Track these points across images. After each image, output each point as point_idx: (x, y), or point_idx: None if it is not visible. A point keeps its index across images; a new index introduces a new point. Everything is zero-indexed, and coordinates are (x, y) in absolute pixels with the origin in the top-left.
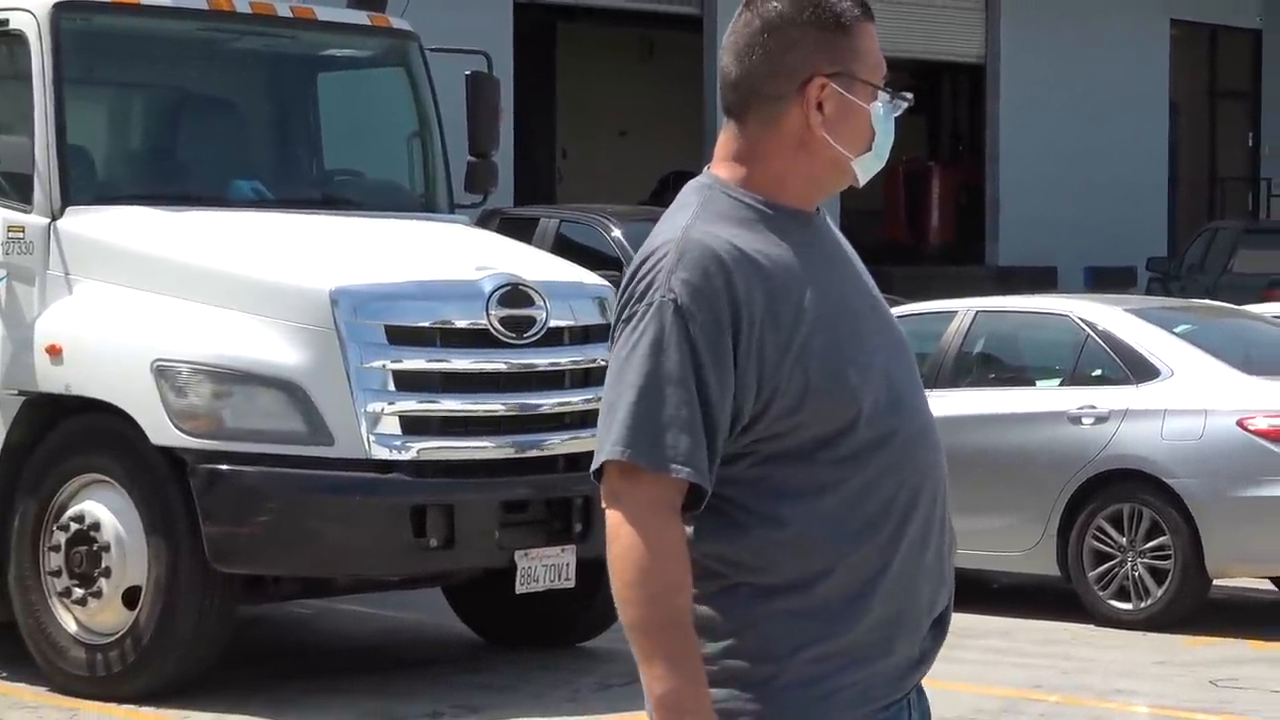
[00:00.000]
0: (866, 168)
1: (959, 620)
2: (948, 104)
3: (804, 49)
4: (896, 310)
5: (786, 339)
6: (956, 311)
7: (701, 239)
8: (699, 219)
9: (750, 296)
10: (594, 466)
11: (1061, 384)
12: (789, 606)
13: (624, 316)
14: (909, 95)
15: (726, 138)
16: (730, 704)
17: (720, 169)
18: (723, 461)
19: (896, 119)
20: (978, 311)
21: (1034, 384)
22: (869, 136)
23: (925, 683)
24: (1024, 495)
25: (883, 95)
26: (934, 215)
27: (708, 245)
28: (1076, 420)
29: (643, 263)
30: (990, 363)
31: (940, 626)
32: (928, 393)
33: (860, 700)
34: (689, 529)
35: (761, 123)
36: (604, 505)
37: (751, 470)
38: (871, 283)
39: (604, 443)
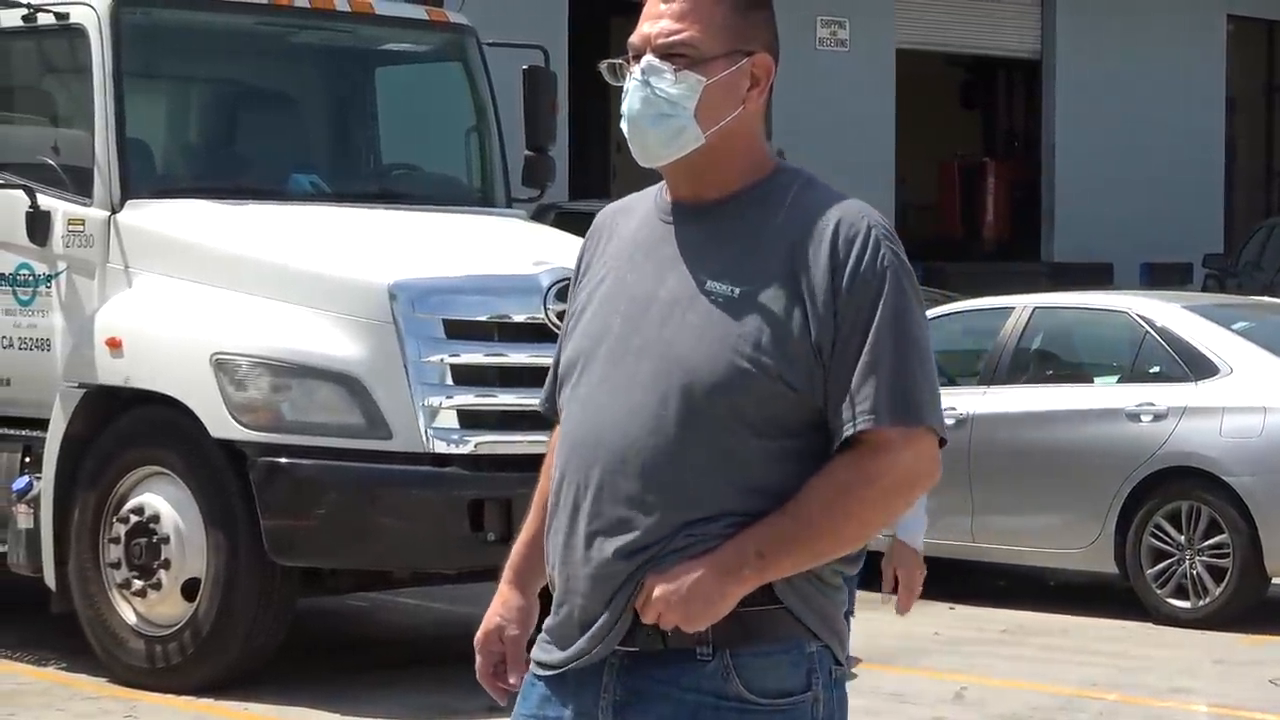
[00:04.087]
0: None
1: (1016, 617)
2: (1003, 100)
3: None
4: (951, 306)
5: (580, 304)
6: (1013, 307)
7: (604, 208)
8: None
9: (583, 261)
10: None
11: (1119, 381)
12: None
13: None
14: (613, 61)
15: None
16: None
17: None
18: None
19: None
20: (1035, 308)
21: (1092, 381)
22: None
23: (984, 679)
24: (1082, 492)
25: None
26: (989, 211)
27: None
28: (1135, 417)
29: None
30: (1048, 359)
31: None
32: (983, 390)
33: (538, 646)
34: None
35: None
36: None
37: None
38: (711, 283)
39: None
